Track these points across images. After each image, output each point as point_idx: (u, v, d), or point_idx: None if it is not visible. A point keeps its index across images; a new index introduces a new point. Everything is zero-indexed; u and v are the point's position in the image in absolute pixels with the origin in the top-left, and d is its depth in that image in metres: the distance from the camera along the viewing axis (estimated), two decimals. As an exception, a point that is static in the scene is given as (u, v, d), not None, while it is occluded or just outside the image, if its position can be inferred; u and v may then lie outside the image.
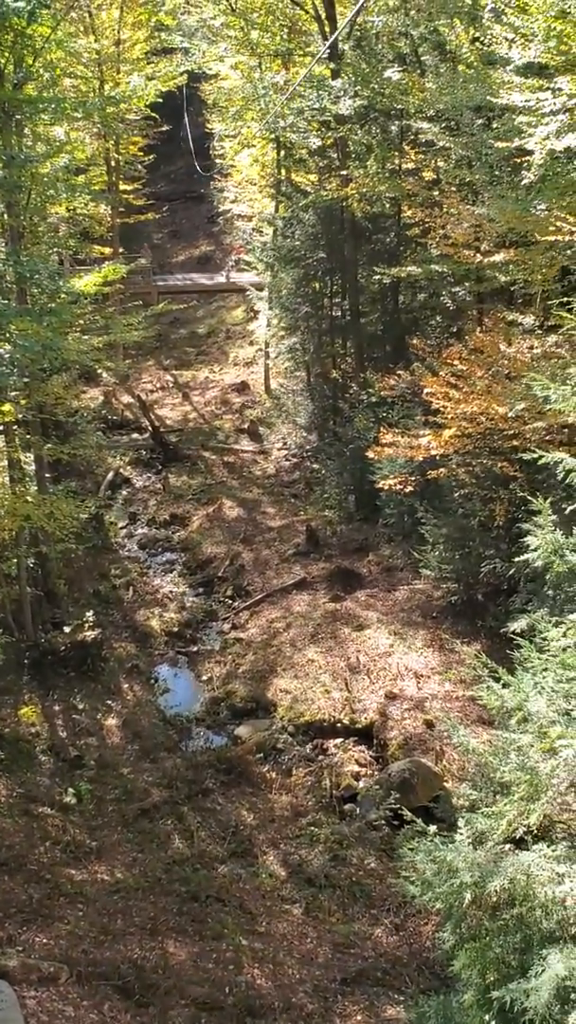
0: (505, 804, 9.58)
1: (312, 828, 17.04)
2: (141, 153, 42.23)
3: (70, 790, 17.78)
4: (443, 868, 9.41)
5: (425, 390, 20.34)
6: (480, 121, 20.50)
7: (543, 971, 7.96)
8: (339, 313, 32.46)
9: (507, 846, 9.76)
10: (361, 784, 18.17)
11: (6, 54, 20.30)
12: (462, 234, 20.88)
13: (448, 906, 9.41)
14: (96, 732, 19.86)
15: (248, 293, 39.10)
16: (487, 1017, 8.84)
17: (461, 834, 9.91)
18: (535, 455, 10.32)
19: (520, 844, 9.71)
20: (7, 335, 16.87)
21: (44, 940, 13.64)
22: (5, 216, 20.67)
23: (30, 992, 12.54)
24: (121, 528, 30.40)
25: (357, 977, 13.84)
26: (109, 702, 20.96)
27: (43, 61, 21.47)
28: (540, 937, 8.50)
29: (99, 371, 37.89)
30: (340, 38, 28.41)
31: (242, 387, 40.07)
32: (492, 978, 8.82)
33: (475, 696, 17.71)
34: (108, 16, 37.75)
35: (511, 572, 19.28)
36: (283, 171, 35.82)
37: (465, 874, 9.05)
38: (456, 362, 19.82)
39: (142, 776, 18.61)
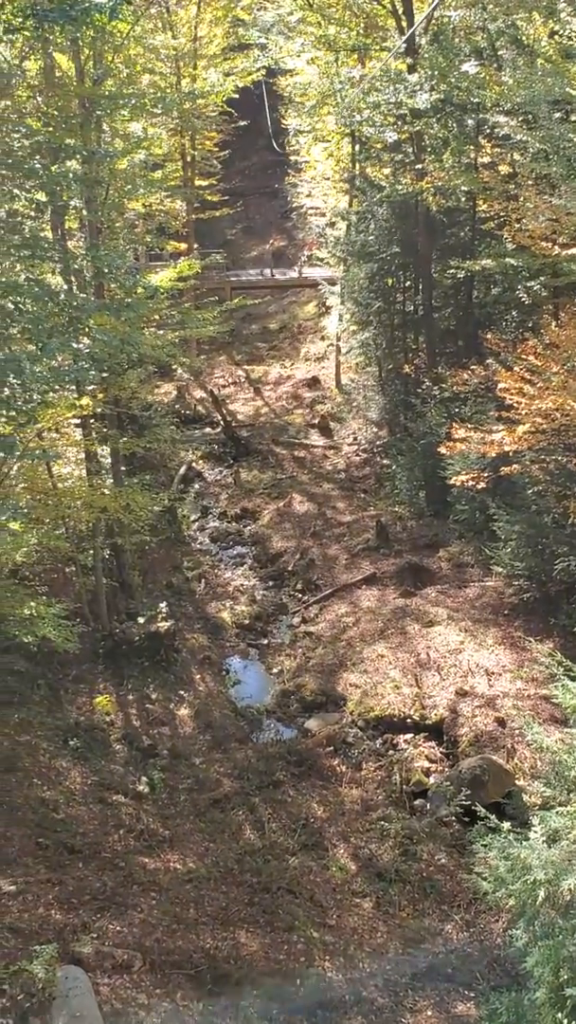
0: (581, 803, 9.56)
1: (382, 822, 17.05)
2: (216, 148, 42.45)
3: (143, 779, 18.02)
4: (516, 865, 9.42)
5: (499, 385, 20.25)
6: (558, 115, 20.30)
7: (618, 970, 7.96)
8: (412, 308, 32.37)
9: (582, 845, 9.73)
10: (431, 780, 18.17)
11: (86, 51, 20.58)
12: (539, 227, 20.72)
13: (521, 903, 9.42)
14: (169, 722, 20.09)
15: (320, 288, 39.16)
16: (560, 1015, 8.84)
17: (535, 832, 9.90)
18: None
19: (595, 843, 9.68)
20: (86, 330, 17.10)
21: (118, 928, 13.83)
22: (84, 211, 20.95)
23: (104, 979, 12.73)
24: (193, 521, 30.69)
25: (427, 972, 13.85)
26: (181, 692, 21.18)
27: (123, 57, 21.73)
28: (615, 937, 8.49)
29: (173, 366, 38.21)
30: (417, 32, 28.30)
31: (313, 382, 40.13)
32: (565, 976, 8.82)
33: (548, 695, 17.63)
34: (186, 12, 38.01)
35: (585, 570, 19.14)
36: (357, 166, 35.77)
37: (539, 872, 9.05)
38: (531, 357, 19.69)
39: (214, 766, 18.78)
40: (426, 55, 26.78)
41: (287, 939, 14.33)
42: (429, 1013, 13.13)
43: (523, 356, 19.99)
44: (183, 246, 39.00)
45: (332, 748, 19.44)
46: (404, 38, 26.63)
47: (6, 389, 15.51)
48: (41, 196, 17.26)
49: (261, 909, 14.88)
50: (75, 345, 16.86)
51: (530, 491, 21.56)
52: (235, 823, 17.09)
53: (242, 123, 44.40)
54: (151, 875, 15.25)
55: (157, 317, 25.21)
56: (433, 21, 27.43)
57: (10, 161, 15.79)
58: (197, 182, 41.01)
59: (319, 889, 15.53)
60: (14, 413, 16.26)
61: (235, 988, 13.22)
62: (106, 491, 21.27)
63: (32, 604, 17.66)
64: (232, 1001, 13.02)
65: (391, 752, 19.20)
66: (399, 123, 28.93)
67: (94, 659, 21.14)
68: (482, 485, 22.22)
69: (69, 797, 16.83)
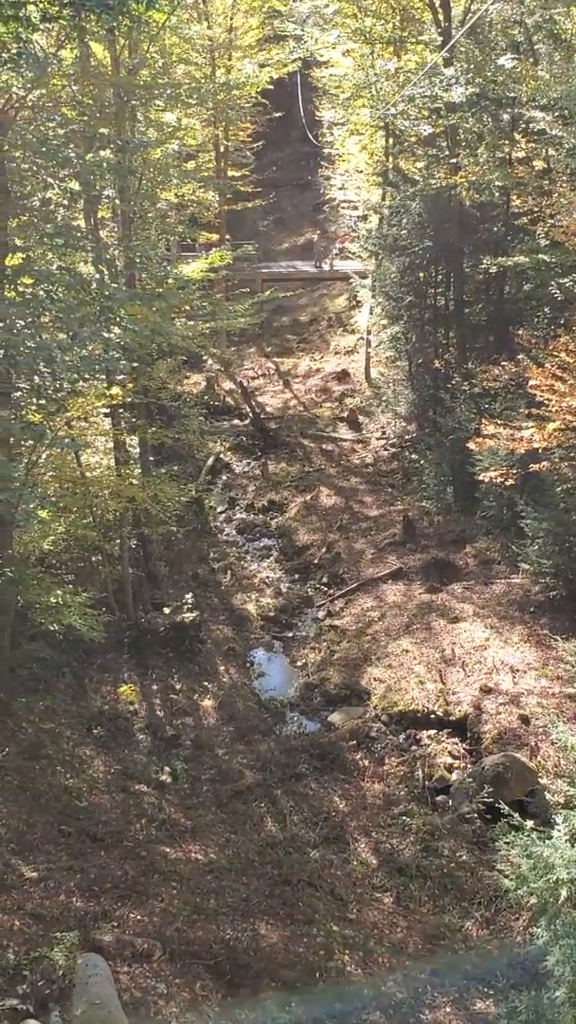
0: (605, 803, 9.51)
1: (404, 818, 17.04)
2: (249, 139, 42.37)
3: (166, 769, 18.08)
4: (539, 863, 9.39)
5: (529, 382, 20.13)
6: (596, 110, 20.18)
7: None
8: (443, 303, 32.24)
9: (605, 845, 9.69)
10: (454, 776, 18.11)
11: (122, 40, 20.57)
12: (573, 223, 20.58)
13: (543, 902, 9.40)
14: (192, 712, 20.14)
15: (351, 281, 39.02)
16: (580, 1015, 8.81)
17: (558, 830, 9.87)
18: None
19: (619, 844, 9.63)
20: (117, 319, 17.12)
21: (138, 916, 13.87)
22: (117, 201, 20.97)
23: (123, 967, 12.77)
24: (220, 513, 30.73)
25: (447, 969, 13.82)
26: (205, 683, 21.22)
27: (158, 47, 21.72)
28: None
29: (203, 357, 38.24)
30: (453, 26, 28.17)
31: (342, 375, 40.06)
32: (587, 976, 8.79)
33: (573, 693, 17.57)
34: (222, 3, 37.96)
35: (614, 569, 19.02)
36: (391, 159, 35.63)
37: (562, 871, 9.03)
38: (562, 354, 19.56)
39: (236, 758, 18.82)
40: (462, 48, 26.64)
41: (307, 932, 14.34)
42: (448, 1010, 13.10)
43: (554, 353, 19.86)
44: (215, 237, 38.91)
45: (355, 742, 19.44)
46: (451, 41, 26.48)
47: (36, 377, 15.58)
48: (74, 185, 17.29)
49: (281, 901, 14.90)
50: (106, 335, 16.90)
51: (559, 489, 21.45)
52: (257, 815, 17.13)
53: (276, 115, 44.28)
54: (172, 865, 15.30)
55: (188, 308, 25.24)
56: (470, 14, 27.30)
57: (44, 149, 15.83)
58: (230, 173, 40.95)
59: (339, 883, 15.54)
60: (44, 401, 16.34)
61: (254, 979, 13.23)
62: (134, 481, 21.33)
63: (58, 592, 17.76)
64: (251, 992, 13.05)
65: (414, 748, 19.16)
66: (434, 117, 28.80)
67: (119, 648, 21.21)
68: (510, 482, 22.11)
69: (92, 785, 16.91)
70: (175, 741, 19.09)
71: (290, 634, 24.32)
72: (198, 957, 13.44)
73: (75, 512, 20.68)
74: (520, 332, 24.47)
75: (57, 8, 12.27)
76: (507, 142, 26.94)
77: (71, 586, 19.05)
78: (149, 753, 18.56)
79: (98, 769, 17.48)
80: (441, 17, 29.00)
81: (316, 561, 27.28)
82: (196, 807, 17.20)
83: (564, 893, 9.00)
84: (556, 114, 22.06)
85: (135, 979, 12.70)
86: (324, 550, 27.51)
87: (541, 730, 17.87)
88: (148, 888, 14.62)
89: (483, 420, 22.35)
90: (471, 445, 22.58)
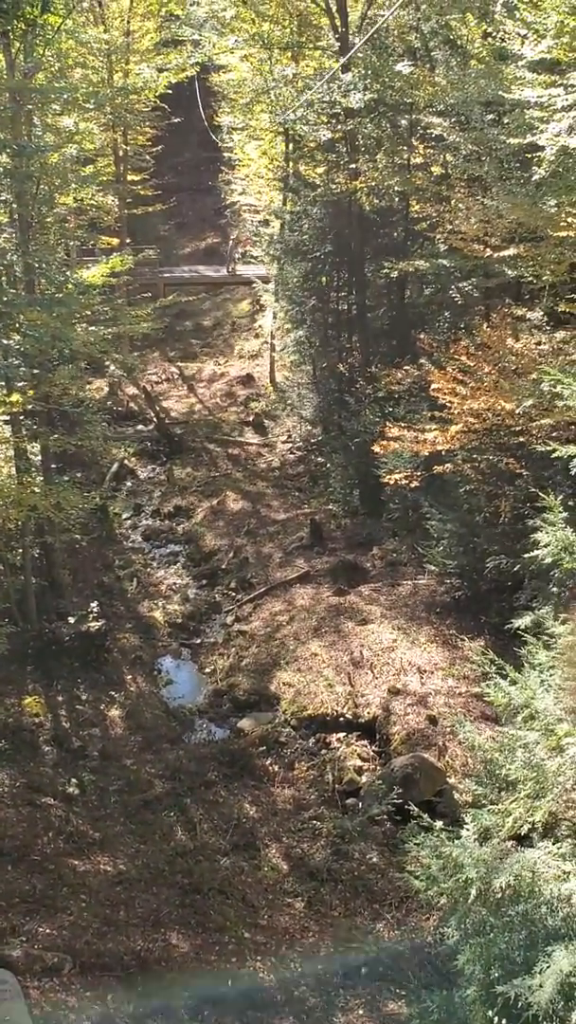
0: (511, 801, 9.60)
1: (314, 822, 17.04)
2: (149, 144, 42.07)
3: (73, 780, 17.79)
4: (448, 863, 9.42)
5: (432, 385, 20.33)
6: (490, 116, 20.45)
7: (548, 967, 7.98)
8: (346, 307, 32.42)
9: (512, 843, 9.79)
10: (364, 779, 18.19)
11: (17, 44, 20.28)
12: (471, 229, 20.86)
13: (452, 901, 9.43)
14: (99, 723, 19.88)
15: (254, 286, 38.99)
16: (491, 1013, 8.85)
17: (467, 830, 9.93)
18: (548, 448, 10.32)
19: (525, 841, 9.74)
20: (16, 325, 16.86)
21: (47, 930, 13.69)
22: (14, 206, 20.66)
23: (33, 982, 12.61)
24: (125, 519, 30.41)
25: (359, 971, 13.86)
26: (112, 693, 20.95)
27: (54, 51, 21.47)
28: (545, 934, 8.52)
29: (106, 362, 37.82)
30: (350, 31, 28.36)
31: (247, 380, 39.99)
32: (496, 974, 8.83)
33: (479, 692, 17.78)
34: (118, 6, 37.64)
35: (516, 568, 19.26)
36: (291, 164, 35.72)
37: (471, 870, 9.06)
38: (463, 357, 19.81)
39: (145, 767, 18.62)
40: (360, 54, 26.83)
41: (218, 940, 14.28)
42: (360, 1012, 13.13)
43: (455, 356, 20.10)
44: (115, 241, 38.64)
45: (265, 748, 19.38)
46: (347, 56, 26.63)
47: None
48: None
49: (192, 910, 14.80)
50: (5, 341, 16.65)
51: (462, 490, 21.68)
52: (166, 824, 16.97)
53: (176, 119, 44.05)
54: (81, 877, 15.12)
55: (89, 313, 24.92)
56: (367, 20, 27.51)
57: None
58: (130, 177, 40.59)
59: (251, 889, 15.48)
60: None
61: (166, 990, 13.13)
62: (36, 489, 20.99)
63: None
64: (163, 1003, 12.93)
65: (324, 751, 19.18)
66: (333, 122, 28.95)
67: (22, 660, 20.82)
68: (415, 484, 22.30)
69: (-3, 799, 16.60)
70: (82, 752, 18.80)
71: (198, 640, 24.16)
72: (109, 969, 13.33)
73: (-25, 522, 20.31)
74: (422, 336, 24.71)
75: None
76: (405, 148, 27.22)
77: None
78: (55, 765, 18.24)
79: (3, 783, 17.15)
80: (338, 23, 29.16)
81: (224, 566, 27.17)
82: (104, 818, 16.97)
83: (473, 892, 9.04)
84: (453, 120, 22.33)
85: (45, 993, 12.56)
86: (232, 555, 27.42)
87: (449, 730, 18.04)
88: (57, 901, 14.44)
89: (387, 423, 22.52)
90: (376, 448, 22.71)
